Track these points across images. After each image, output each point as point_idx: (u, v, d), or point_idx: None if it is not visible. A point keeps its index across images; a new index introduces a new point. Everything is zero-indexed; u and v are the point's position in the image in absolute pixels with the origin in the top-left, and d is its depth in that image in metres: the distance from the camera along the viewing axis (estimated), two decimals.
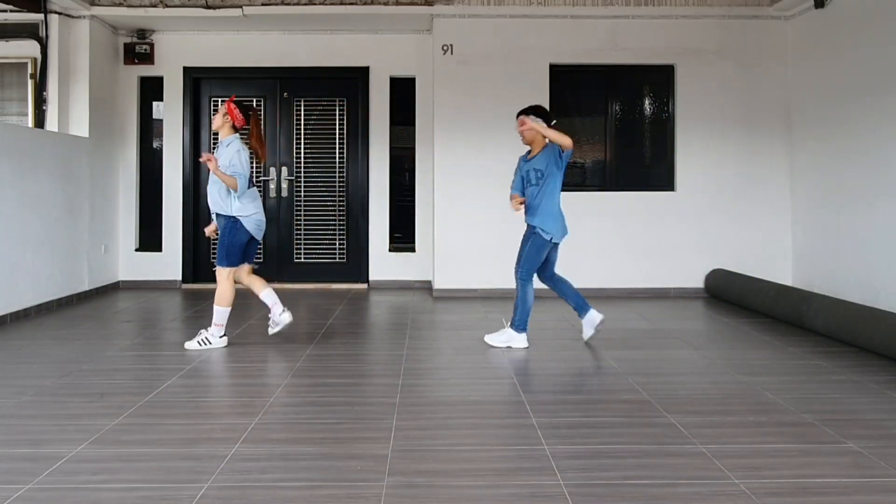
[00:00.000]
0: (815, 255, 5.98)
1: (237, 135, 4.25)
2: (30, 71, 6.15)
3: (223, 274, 4.13)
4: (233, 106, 4.19)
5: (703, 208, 6.38)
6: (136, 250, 6.89)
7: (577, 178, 6.58)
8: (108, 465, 2.40)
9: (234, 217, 4.11)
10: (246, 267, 4.31)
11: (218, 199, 4.14)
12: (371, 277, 6.88)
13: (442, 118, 6.32)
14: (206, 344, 4.15)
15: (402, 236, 7.05)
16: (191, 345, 4.14)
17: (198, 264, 6.93)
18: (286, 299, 6.20)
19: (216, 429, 2.77)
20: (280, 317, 4.28)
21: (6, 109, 6.34)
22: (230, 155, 4.10)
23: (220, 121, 4.21)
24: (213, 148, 6.95)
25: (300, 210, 6.97)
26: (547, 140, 4.12)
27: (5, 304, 4.97)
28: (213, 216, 4.26)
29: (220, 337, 4.21)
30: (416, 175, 6.92)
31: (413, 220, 6.94)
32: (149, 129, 7.03)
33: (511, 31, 6.31)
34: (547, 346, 4.31)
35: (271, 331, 4.34)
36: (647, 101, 6.55)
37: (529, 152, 4.32)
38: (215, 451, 2.53)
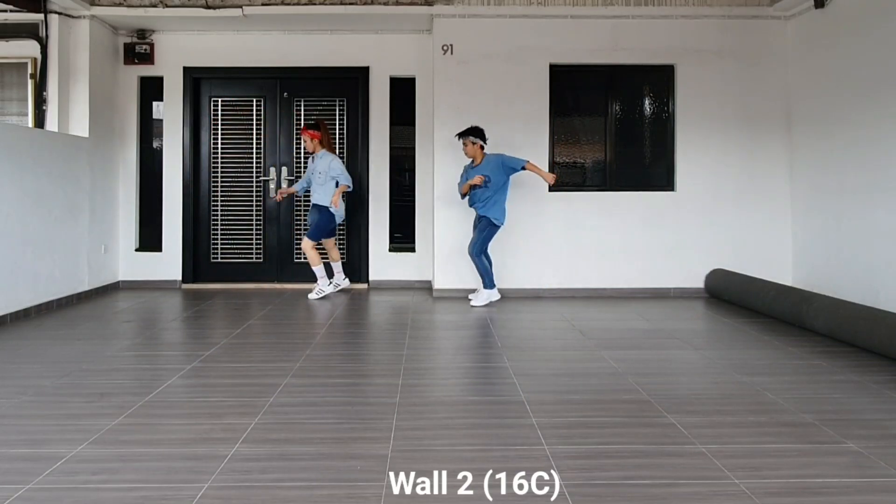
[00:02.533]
0: (815, 255, 5.98)
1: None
2: (30, 71, 6.15)
3: (308, 244, 6.04)
4: (318, 132, 6.17)
5: (703, 208, 6.38)
6: (136, 250, 6.89)
7: (578, 178, 6.58)
8: (108, 465, 2.40)
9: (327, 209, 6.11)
10: (332, 240, 6.39)
11: (323, 196, 6.08)
12: (371, 277, 6.88)
13: (442, 118, 6.32)
14: (321, 293, 6.15)
15: (402, 236, 7.05)
16: (312, 296, 6.12)
17: (198, 264, 6.93)
18: (286, 299, 6.24)
19: (216, 429, 2.77)
20: (343, 280, 6.45)
21: (6, 109, 6.34)
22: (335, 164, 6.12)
23: (311, 145, 6.19)
24: (217, 150, 6.99)
25: (300, 210, 6.97)
26: (484, 152, 5.80)
27: (5, 304, 4.97)
28: (311, 203, 6.23)
29: (328, 285, 6.23)
30: (416, 175, 6.92)
31: (413, 220, 6.94)
32: (149, 129, 7.03)
33: (511, 31, 6.31)
34: (547, 346, 4.31)
35: (324, 291, 6.20)
36: (647, 101, 6.55)
37: (472, 162, 5.82)
38: (215, 451, 2.53)
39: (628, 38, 6.34)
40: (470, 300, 5.89)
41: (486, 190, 5.63)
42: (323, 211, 6.08)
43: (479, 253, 5.73)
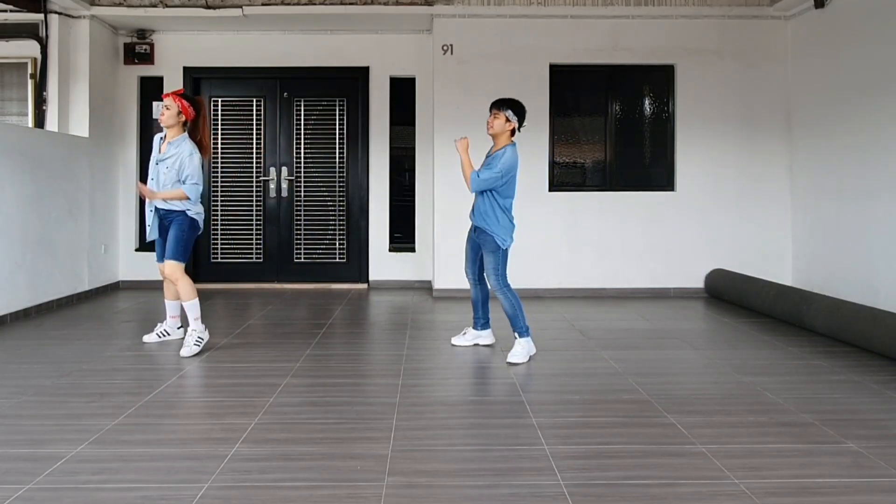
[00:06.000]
0: (815, 255, 5.97)
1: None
2: (30, 71, 6.15)
3: (177, 268, 4.10)
4: (185, 101, 4.06)
5: (703, 208, 6.38)
6: (136, 250, 6.89)
7: (578, 178, 6.58)
8: (108, 465, 2.40)
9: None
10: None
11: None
12: (371, 277, 6.88)
13: (442, 118, 6.32)
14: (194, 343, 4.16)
15: (402, 236, 7.05)
16: (190, 352, 4.08)
17: (197, 264, 6.92)
18: (286, 299, 6.24)
19: (216, 429, 2.77)
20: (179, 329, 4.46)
21: (6, 109, 6.34)
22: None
23: (175, 118, 4.04)
24: (217, 150, 6.98)
25: (300, 210, 6.97)
26: (512, 139, 4.05)
27: (5, 304, 4.97)
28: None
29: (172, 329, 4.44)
30: (416, 175, 6.92)
31: (413, 220, 6.94)
32: (149, 129, 7.03)
33: (511, 31, 6.31)
34: (547, 346, 4.31)
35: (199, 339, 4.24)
36: (647, 101, 6.55)
37: (492, 147, 4.13)
38: (215, 451, 2.53)
39: (628, 38, 6.34)
40: (508, 359, 3.95)
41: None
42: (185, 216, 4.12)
43: (506, 285, 4.07)
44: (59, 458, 2.45)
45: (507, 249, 4.06)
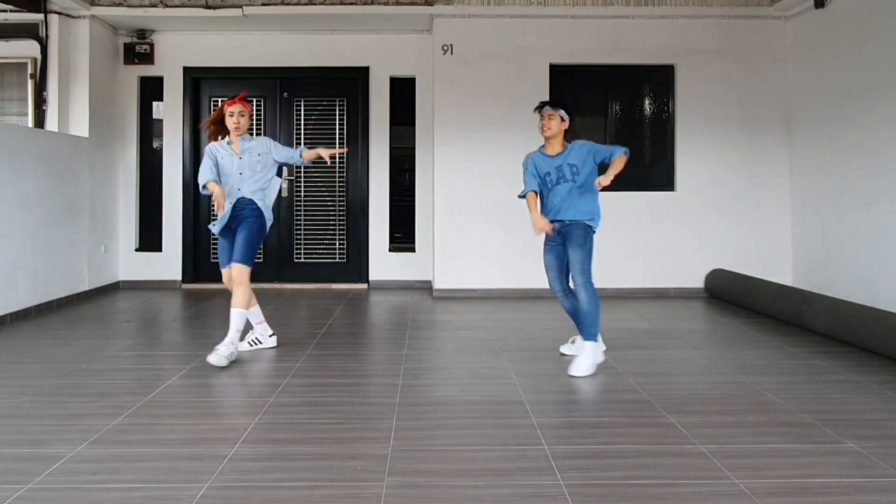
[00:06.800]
0: (815, 255, 5.97)
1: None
2: (30, 71, 6.15)
3: (243, 272, 3.94)
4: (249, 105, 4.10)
5: (703, 208, 6.38)
6: (136, 250, 6.89)
7: None
8: (108, 465, 2.40)
9: None
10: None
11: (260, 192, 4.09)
12: (371, 277, 6.88)
13: (442, 118, 6.32)
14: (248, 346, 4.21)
15: (402, 236, 7.05)
16: (229, 354, 3.89)
17: (198, 264, 6.93)
18: (286, 299, 6.24)
19: (216, 429, 2.77)
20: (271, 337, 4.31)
21: (6, 109, 6.34)
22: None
23: (248, 122, 4.07)
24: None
25: (300, 210, 6.97)
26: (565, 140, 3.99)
27: (5, 304, 4.97)
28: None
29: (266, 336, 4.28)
30: (416, 175, 6.92)
31: (413, 220, 6.94)
32: (149, 129, 7.04)
33: (511, 31, 6.31)
34: (547, 346, 4.31)
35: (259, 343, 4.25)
36: (647, 101, 6.55)
37: (543, 147, 4.00)
38: (215, 451, 2.53)
39: (628, 38, 6.34)
40: (572, 370, 3.65)
41: (567, 183, 3.96)
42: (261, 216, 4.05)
43: (592, 280, 3.80)
44: (59, 458, 2.45)
45: (593, 239, 3.93)
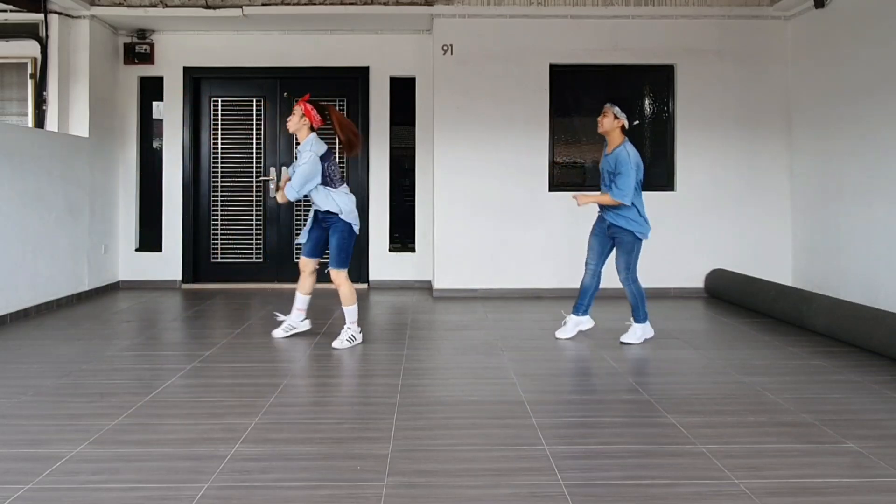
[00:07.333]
0: (815, 255, 5.97)
1: (314, 134, 4.27)
2: (30, 71, 6.15)
3: (342, 276, 4.24)
4: (309, 107, 4.20)
5: (703, 208, 6.38)
6: (136, 250, 6.89)
7: (577, 179, 6.58)
8: (108, 465, 2.40)
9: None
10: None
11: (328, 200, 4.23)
12: (371, 277, 6.88)
13: (442, 118, 6.32)
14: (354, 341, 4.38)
15: (402, 236, 7.05)
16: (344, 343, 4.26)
17: (198, 264, 6.93)
18: (286, 299, 6.23)
19: (216, 429, 2.77)
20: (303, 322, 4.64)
21: (6, 109, 6.34)
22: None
23: (298, 123, 4.21)
24: (217, 150, 6.98)
25: (300, 210, 6.97)
26: (624, 136, 4.24)
27: (5, 304, 4.97)
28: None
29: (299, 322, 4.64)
30: (416, 175, 6.92)
31: (413, 220, 6.94)
32: (149, 129, 7.03)
33: (511, 31, 6.31)
34: (547, 346, 4.31)
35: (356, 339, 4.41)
36: (647, 101, 6.55)
37: (606, 145, 4.37)
38: (215, 451, 2.53)
39: (628, 38, 6.34)
40: (622, 340, 4.40)
41: (605, 188, 4.37)
42: (341, 221, 4.24)
43: (635, 279, 4.39)
44: (59, 458, 2.45)
45: (641, 244, 4.30)
